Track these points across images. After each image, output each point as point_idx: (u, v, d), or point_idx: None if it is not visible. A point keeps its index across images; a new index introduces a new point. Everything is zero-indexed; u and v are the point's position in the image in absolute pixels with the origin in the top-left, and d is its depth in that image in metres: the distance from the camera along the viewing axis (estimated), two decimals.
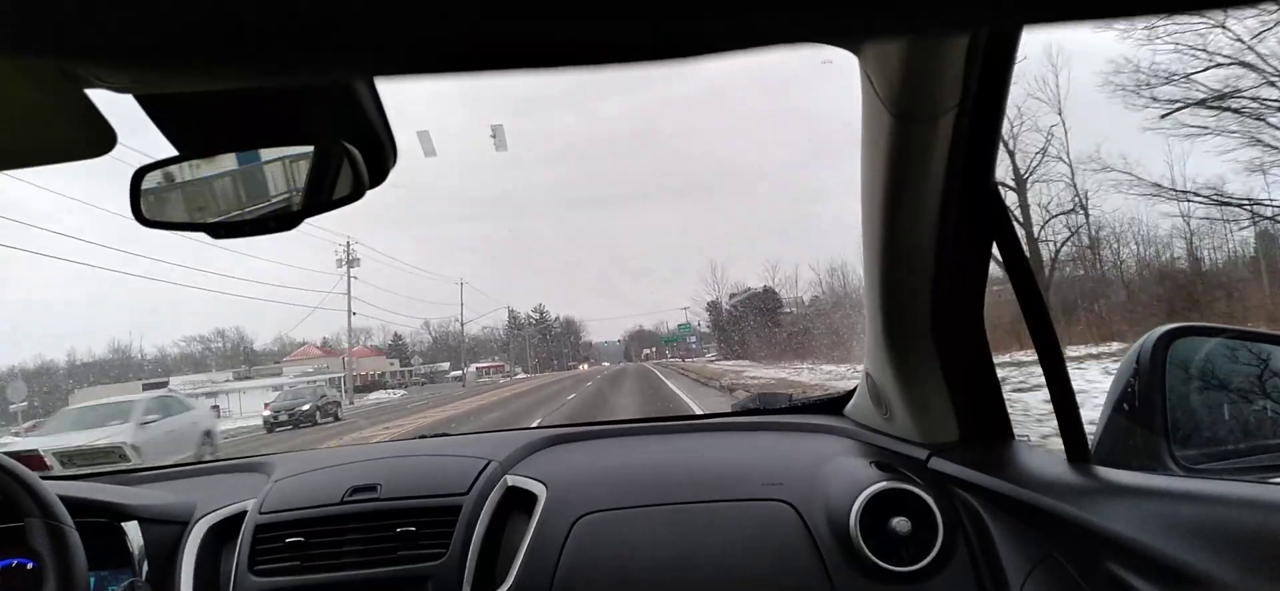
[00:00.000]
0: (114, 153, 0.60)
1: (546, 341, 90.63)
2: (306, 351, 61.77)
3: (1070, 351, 10.78)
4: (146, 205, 0.81)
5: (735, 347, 43.29)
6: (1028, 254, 1.22)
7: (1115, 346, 11.29)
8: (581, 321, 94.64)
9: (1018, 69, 1.05)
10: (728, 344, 45.03)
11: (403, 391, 50.95)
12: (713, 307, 51.35)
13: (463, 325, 52.79)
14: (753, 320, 40.78)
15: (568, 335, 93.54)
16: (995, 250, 1.25)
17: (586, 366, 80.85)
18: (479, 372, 73.05)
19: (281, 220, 0.78)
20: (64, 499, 1.32)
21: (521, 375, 70.52)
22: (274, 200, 0.79)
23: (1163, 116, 11.00)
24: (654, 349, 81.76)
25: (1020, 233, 1.22)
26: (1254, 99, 10.37)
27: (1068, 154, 15.79)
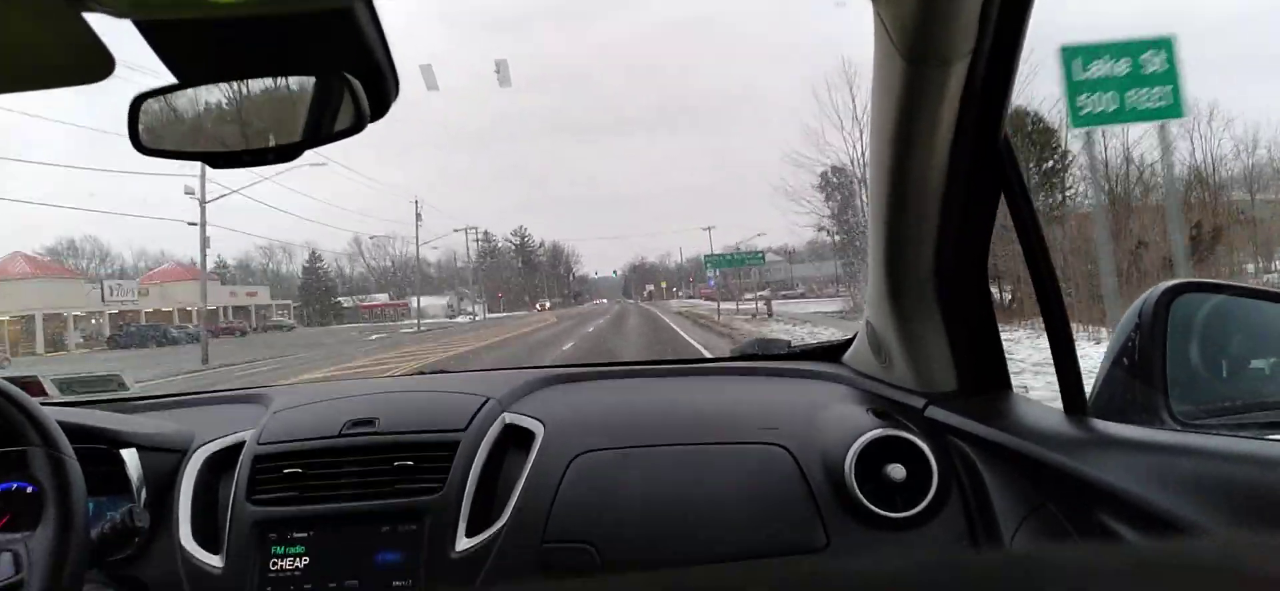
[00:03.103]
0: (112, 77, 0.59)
1: (530, 272, 77.34)
2: (6, 267, 40.48)
3: None
4: (145, 134, 0.80)
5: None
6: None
7: None
8: (572, 249, 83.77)
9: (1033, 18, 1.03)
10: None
11: None
12: (839, 181, 24.86)
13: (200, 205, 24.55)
14: None
15: (555, 266, 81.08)
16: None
17: (547, 307, 63.99)
18: (368, 314, 55.26)
19: (281, 152, 0.77)
20: (63, 425, 1.32)
21: (464, 318, 53.71)
22: (274, 131, 0.77)
23: None
24: (658, 285, 71.77)
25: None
26: None
27: None
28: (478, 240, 64.28)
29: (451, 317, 55.74)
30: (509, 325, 38.35)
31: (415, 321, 45.99)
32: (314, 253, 66.07)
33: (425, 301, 63.70)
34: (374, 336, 34.46)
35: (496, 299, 67.95)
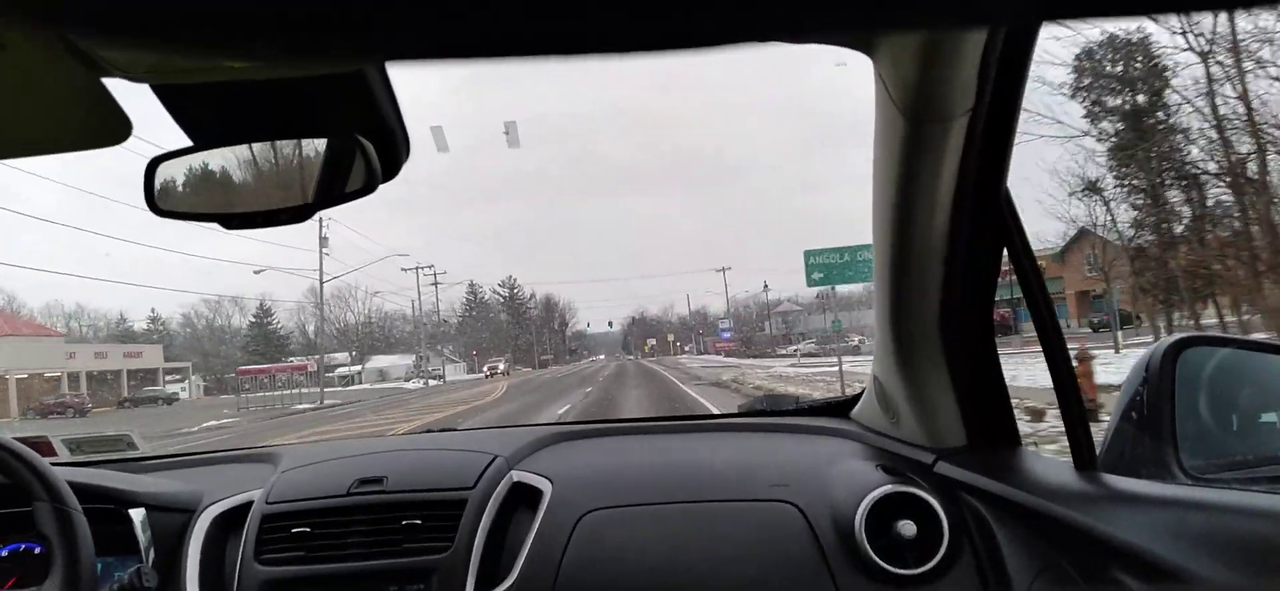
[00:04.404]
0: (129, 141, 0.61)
1: (519, 327, 69.65)
2: None
3: None
4: (160, 196, 0.82)
5: None
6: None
7: None
8: (568, 303, 77.90)
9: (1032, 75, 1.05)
10: None
11: None
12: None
13: None
14: None
15: (548, 320, 74.27)
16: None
17: (499, 370, 50.72)
18: (252, 382, 38.44)
19: (294, 212, 0.79)
20: (72, 484, 1.32)
21: (416, 385, 42.33)
22: (287, 192, 0.79)
23: None
24: (662, 338, 68.10)
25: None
26: None
27: None
28: (435, 283, 52.86)
29: (407, 381, 47.61)
30: (441, 398, 25.89)
31: (319, 391, 33.09)
32: (262, 305, 57.03)
33: (387, 361, 53.74)
34: (212, 420, 22.86)
35: (473, 357, 59.19)
